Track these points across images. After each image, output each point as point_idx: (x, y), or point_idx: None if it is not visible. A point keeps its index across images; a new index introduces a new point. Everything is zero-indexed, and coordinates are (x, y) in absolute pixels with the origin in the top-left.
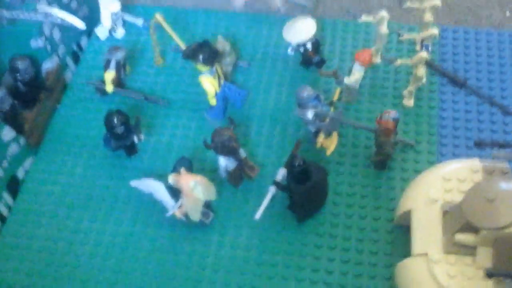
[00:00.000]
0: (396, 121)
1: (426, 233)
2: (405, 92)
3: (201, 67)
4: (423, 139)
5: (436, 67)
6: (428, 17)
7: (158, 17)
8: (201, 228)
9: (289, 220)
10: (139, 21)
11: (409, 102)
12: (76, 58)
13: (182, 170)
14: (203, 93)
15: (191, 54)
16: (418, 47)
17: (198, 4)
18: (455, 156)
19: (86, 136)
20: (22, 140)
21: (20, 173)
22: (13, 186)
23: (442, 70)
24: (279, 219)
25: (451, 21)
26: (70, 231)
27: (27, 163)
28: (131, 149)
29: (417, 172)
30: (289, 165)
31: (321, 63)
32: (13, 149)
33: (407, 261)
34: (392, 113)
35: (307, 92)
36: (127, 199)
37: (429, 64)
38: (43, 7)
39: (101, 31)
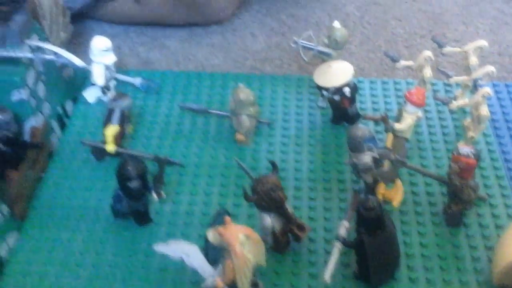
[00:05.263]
0: (477, 157)
1: None
2: (466, 140)
3: None
4: (495, 192)
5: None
6: (474, 60)
7: None
8: None
9: None
10: (137, 81)
11: None
12: (61, 123)
13: (227, 219)
14: (218, 156)
15: None
16: (460, 92)
17: (198, 67)
18: None
19: (83, 207)
20: (4, 209)
21: (3, 251)
22: None
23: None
24: None
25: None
26: None
27: (11, 240)
28: (144, 216)
29: (500, 228)
30: (361, 210)
31: (356, 117)
32: None
33: None
34: (470, 148)
35: (361, 131)
36: (146, 274)
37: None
38: (34, 42)
39: (91, 93)
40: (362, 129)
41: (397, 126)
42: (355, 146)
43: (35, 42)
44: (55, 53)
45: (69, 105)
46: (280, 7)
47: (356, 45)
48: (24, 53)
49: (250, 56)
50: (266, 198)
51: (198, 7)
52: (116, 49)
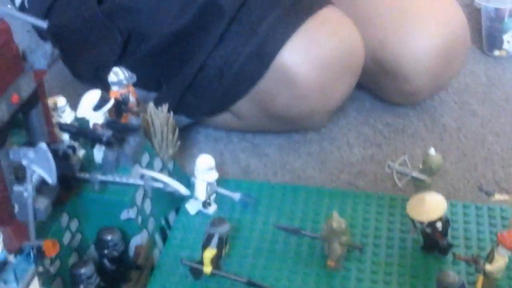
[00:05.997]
0: None
1: None
2: None
3: None
4: None
5: None
6: None
7: None
8: None
9: None
10: (236, 196)
11: None
12: (163, 235)
13: None
14: (309, 282)
15: None
16: None
17: (294, 178)
18: None
19: None
20: None
21: None
22: None
23: None
24: None
25: None
26: None
27: None
28: None
29: None
30: None
31: (448, 248)
32: None
33: None
34: None
35: (451, 278)
36: None
37: None
38: (141, 170)
39: (193, 205)
40: (452, 276)
41: (488, 268)
42: None
43: (145, 171)
44: (163, 182)
45: (171, 216)
46: (377, 115)
47: (451, 163)
48: (134, 180)
49: (345, 168)
50: None
51: (293, 121)
52: (219, 155)
